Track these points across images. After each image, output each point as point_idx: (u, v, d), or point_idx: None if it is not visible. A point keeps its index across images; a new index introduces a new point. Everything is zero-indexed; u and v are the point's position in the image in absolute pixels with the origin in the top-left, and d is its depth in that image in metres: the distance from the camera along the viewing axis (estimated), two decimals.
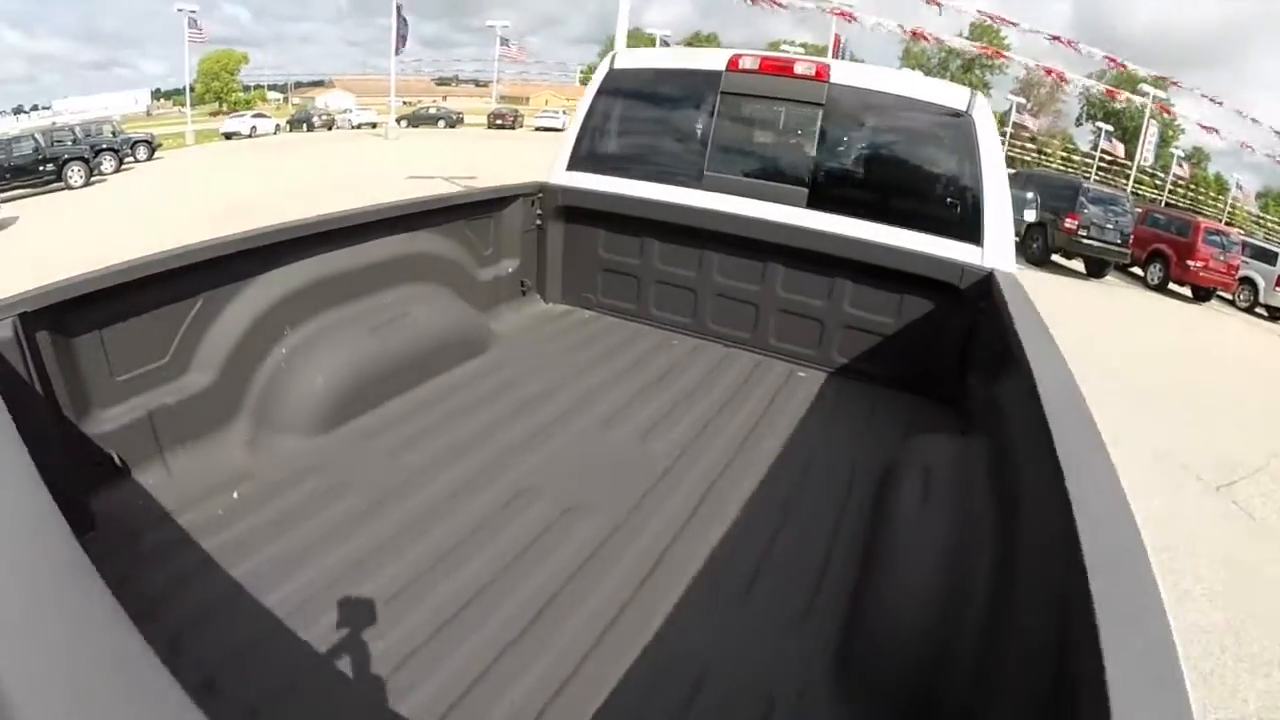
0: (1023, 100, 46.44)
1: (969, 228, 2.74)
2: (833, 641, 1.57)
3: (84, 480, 1.80)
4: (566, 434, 2.44)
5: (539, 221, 3.54)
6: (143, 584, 1.59)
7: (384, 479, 2.09)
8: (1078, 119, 56.46)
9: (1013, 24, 28.60)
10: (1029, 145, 47.20)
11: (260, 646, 1.46)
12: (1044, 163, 46.36)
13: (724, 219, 3.09)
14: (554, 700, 1.38)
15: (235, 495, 1.97)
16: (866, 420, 2.73)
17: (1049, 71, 30.87)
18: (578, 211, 3.49)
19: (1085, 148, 50.19)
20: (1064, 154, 50.90)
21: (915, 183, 3.03)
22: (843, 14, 25.59)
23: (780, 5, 25.50)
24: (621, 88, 3.43)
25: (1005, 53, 33.09)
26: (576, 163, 3.50)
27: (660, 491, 2.13)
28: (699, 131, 3.22)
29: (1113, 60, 26.56)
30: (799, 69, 2.92)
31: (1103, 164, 41.32)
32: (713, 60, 3.13)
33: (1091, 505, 0.96)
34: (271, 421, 2.26)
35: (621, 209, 3.33)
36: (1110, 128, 42.45)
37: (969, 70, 57.25)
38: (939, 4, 25.30)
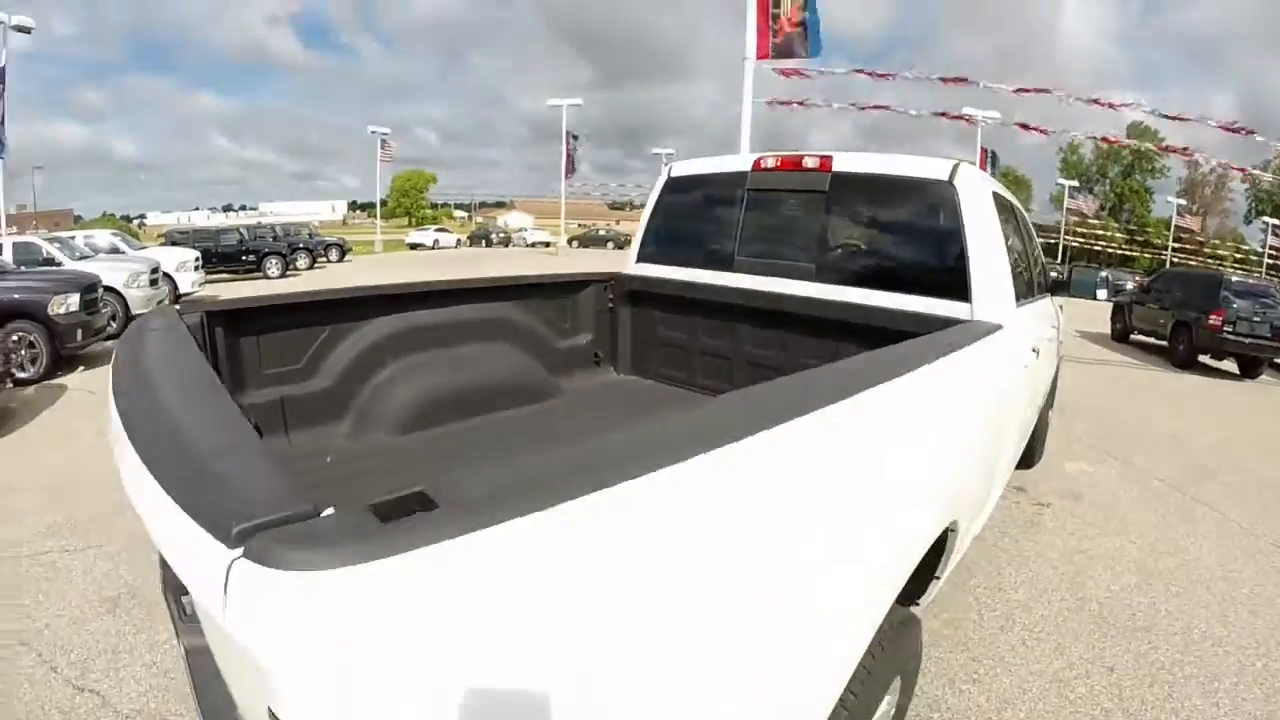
0: (1184, 202, 43.53)
1: (957, 286, 2.94)
2: None
3: None
4: None
5: (611, 304, 4.19)
6: None
7: (421, 464, 2.76)
8: (1246, 215, 51.64)
9: (1118, 106, 26.94)
10: (1190, 247, 43.63)
11: None
12: (1214, 266, 42.56)
13: (749, 295, 3.58)
14: None
15: (328, 459, 2.73)
16: None
17: (1165, 148, 28.73)
18: (642, 295, 4.11)
19: (1257, 245, 45.59)
20: (1235, 254, 46.36)
21: (908, 249, 3.28)
22: (945, 114, 25.75)
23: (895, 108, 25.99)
24: (677, 192, 4.06)
25: (1119, 139, 31.05)
26: (643, 256, 4.15)
27: None
28: (732, 223, 3.76)
29: (1235, 128, 24.33)
30: (807, 162, 3.42)
31: (1272, 260, 37.38)
32: (742, 163, 3.72)
33: None
34: (366, 421, 3.03)
35: (674, 292, 3.91)
36: (1278, 222, 38.47)
37: (1128, 176, 54.27)
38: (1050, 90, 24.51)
